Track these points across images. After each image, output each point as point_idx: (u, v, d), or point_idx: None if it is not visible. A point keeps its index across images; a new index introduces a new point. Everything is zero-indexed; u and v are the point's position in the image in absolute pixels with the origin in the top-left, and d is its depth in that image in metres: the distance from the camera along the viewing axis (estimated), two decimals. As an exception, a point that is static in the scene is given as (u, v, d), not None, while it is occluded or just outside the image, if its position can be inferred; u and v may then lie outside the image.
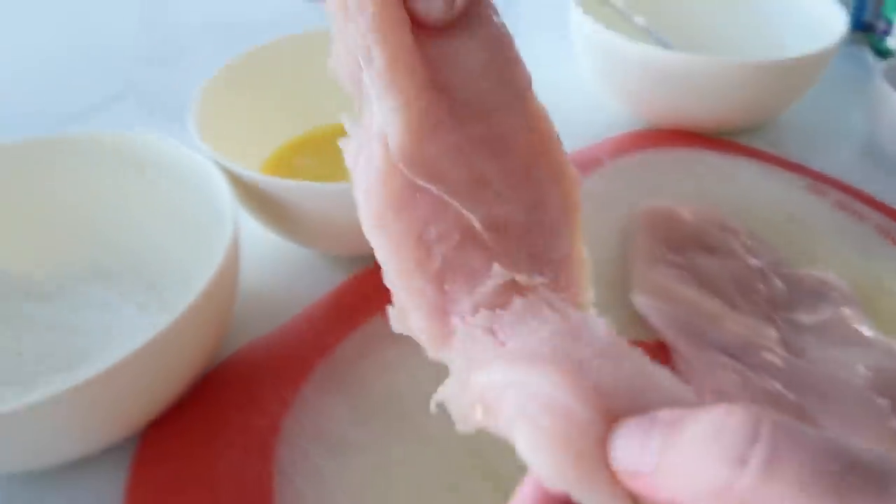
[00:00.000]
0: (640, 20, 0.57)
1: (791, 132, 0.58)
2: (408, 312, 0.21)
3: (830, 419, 0.34)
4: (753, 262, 0.42)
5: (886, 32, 0.66)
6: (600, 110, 0.57)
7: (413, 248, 0.20)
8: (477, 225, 0.20)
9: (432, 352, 0.21)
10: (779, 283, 0.41)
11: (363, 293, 0.39)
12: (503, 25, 0.22)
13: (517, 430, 0.17)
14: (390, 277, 0.21)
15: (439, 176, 0.20)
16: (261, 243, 0.44)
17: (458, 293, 0.20)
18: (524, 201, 0.21)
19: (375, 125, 0.20)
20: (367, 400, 0.35)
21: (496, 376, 0.18)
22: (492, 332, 0.20)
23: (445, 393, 0.20)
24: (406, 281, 0.20)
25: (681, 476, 0.16)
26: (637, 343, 0.18)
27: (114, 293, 0.39)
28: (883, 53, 0.66)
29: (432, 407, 0.20)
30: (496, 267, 0.20)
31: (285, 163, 0.49)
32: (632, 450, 0.16)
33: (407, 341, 0.21)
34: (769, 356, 0.36)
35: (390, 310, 0.21)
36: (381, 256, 0.20)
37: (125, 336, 0.37)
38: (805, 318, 0.40)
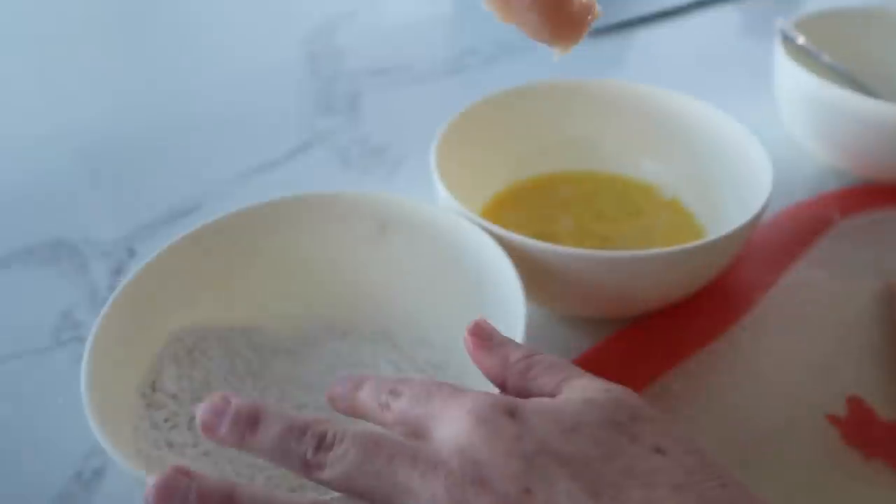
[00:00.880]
0: (843, 69, 0.55)
1: None
2: None
3: None
4: None
5: None
6: (806, 165, 0.55)
7: None
8: None
9: None
10: None
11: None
12: None
13: None
14: None
15: None
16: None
17: None
18: None
19: None
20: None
21: None
22: None
23: None
24: None
25: None
26: None
27: (366, 351, 0.39)
28: None
29: None
30: None
31: (496, 218, 0.48)
32: None
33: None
34: None
35: None
36: None
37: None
38: None
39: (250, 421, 0.23)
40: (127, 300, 0.34)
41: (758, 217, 0.38)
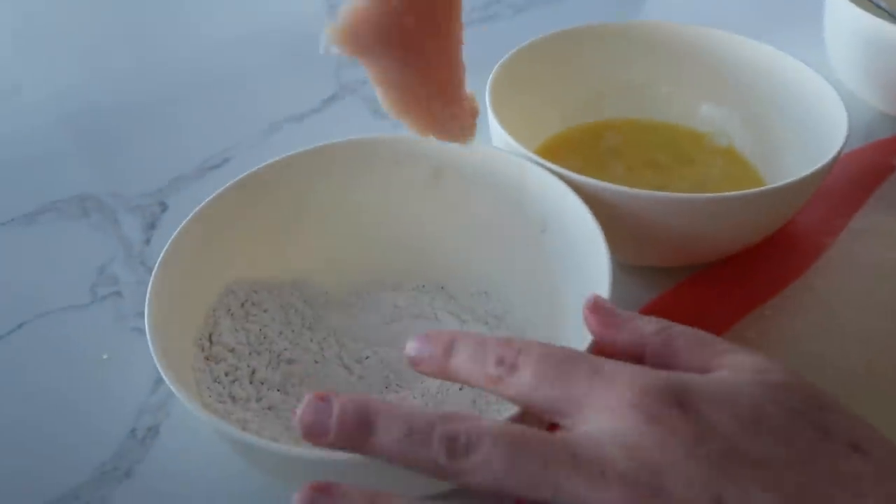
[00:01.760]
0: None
1: None
2: None
3: None
4: None
5: None
6: (857, 111, 0.53)
7: None
8: None
9: None
10: None
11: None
12: None
13: None
14: None
15: None
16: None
17: None
18: None
19: None
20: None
21: None
22: None
23: None
24: None
25: None
26: None
27: (424, 302, 0.37)
28: None
29: None
30: None
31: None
32: None
33: None
34: None
35: None
36: None
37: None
38: None
39: (361, 423, 0.20)
40: (178, 251, 0.32)
41: (832, 163, 0.36)
